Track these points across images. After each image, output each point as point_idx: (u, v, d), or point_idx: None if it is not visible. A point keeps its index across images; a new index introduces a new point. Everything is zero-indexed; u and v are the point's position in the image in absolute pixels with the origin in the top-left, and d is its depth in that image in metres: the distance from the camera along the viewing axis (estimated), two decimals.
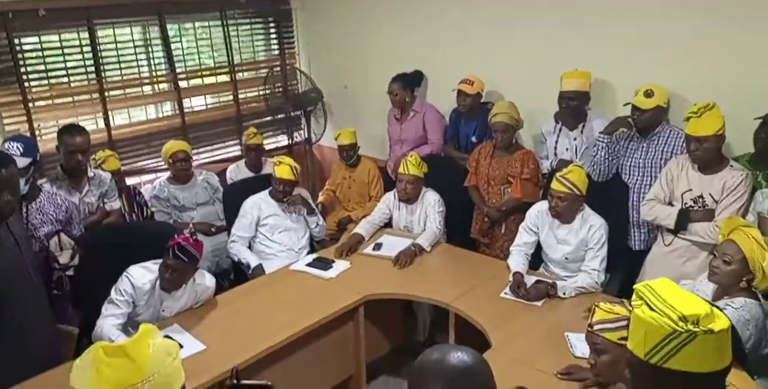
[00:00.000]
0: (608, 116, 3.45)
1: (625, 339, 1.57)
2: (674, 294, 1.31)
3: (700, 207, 2.96)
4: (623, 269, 3.25)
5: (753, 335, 2.25)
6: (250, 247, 3.70)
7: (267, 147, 5.20)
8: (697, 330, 1.22)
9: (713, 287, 2.45)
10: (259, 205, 3.68)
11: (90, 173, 3.34)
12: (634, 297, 1.35)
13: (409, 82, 4.38)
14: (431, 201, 3.67)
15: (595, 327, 2.04)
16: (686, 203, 3.00)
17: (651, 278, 3.09)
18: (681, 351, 1.23)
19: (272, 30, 5.32)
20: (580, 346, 2.51)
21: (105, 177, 3.41)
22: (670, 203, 3.06)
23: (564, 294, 2.94)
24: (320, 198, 4.50)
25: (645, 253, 3.25)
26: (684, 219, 2.96)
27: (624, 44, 3.52)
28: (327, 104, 5.15)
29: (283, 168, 3.61)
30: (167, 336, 2.63)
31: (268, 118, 5.24)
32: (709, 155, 2.87)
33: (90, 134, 3.30)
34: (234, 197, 3.94)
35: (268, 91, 5.20)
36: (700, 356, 1.23)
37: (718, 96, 2.95)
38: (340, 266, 3.37)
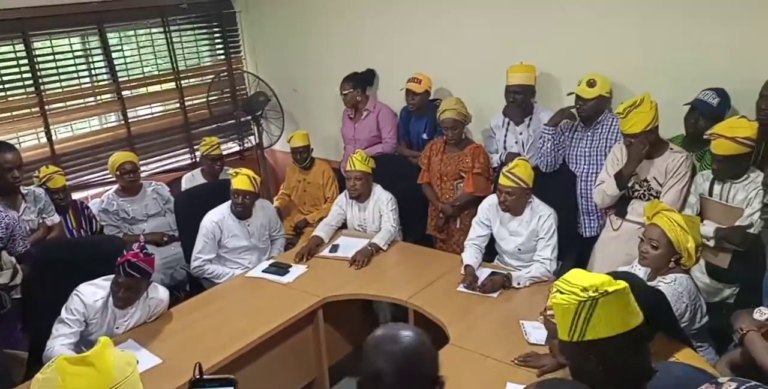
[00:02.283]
0: (554, 109, 3.52)
1: None
2: (580, 275, 1.43)
3: (645, 190, 3.04)
4: (574, 257, 3.32)
5: (688, 306, 2.34)
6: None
7: None
8: (596, 294, 1.33)
9: (646, 270, 2.53)
10: (217, 227, 3.48)
11: (23, 190, 3.22)
12: (551, 290, 1.46)
13: (360, 82, 4.38)
14: (383, 200, 3.67)
15: (549, 313, 2.08)
16: (632, 187, 3.08)
17: (601, 262, 3.21)
18: (591, 320, 1.33)
19: (217, 35, 5.24)
20: (534, 333, 2.55)
21: (39, 192, 3.30)
22: None
23: (519, 284, 3.00)
24: (275, 203, 4.46)
25: (595, 239, 3.32)
26: (621, 179, 3.00)
27: (567, 37, 3.59)
28: (278, 107, 5.09)
29: (241, 179, 3.42)
30: None
31: (217, 124, 5.16)
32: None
33: (30, 150, 3.18)
34: (186, 206, 3.86)
35: (214, 98, 5.12)
36: (607, 319, 1.34)
37: (657, 83, 3.04)
38: (297, 270, 3.35)
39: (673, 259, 2.41)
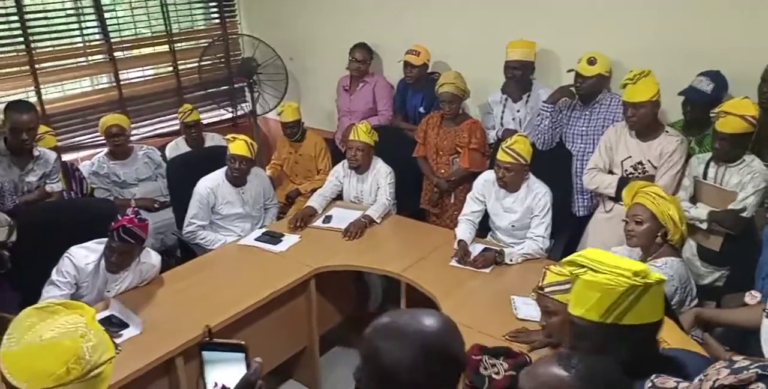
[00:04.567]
0: (553, 86, 3.50)
1: None
2: (609, 257, 1.41)
3: (640, 173, 3.05)
4: (567, 235, 3.34)
5: (678, 289, 2.36)
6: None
7: (209, 121, 5.07)
8: (651, 281, 1.32)
9: (638, 253, 2.55)
10: (212, 194, 3.46)
11: (36, 152, 3.16)
12: (570, 267, 1.43)
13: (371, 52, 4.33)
14: (382, 172, 3.65)
15: (546, 290, 2.08)
16: (626, 170, 3.09)
17: (593, 242, 3.24)
18: (636, 304, 1.32)
19: None
20: (523, 309, 2.58)
21: (50, 157, 3.23)
22: (611, 171, 3.15)
23: (511, 260, 3.01)
24: (267, 172, 4.42)
25: (588, 218, 3.35)
26: (624, 187, 3.04)
27: (568, 14, 3.55)
28: (275, 73, 5.01)
29: (238, 144, 3.40)
30: (110, 316, 2.60)
31: (209, 90, 5.07)
32: (645, 121, 2.95)
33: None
34: (178, 172, 3.82)
35: (207, 62, 5.03)
36: (651, 307, 1.34)
37: (657, 64, 3.02)
38: (290, 239, 3.34)
39: (659, 234, 2.41)
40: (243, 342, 1.18)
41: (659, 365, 1.37)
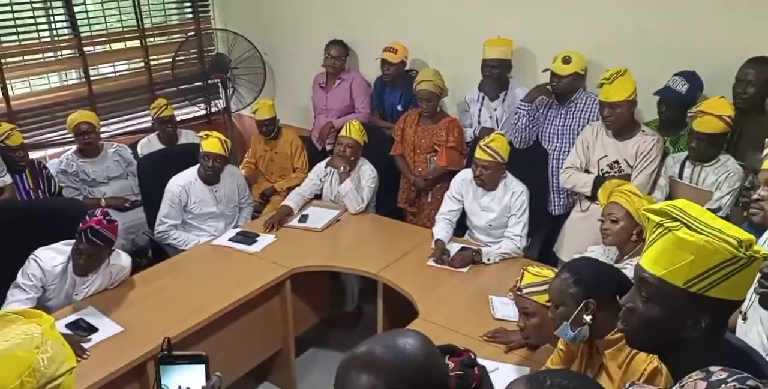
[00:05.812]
0: (529, 85, 3.50)
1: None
2: (711, 217, 1.16)
3: (616, 172, 3.06)
4: (544, 234, 3.34)
5: None
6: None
7: (183, 117, 4.98)
8: (758, 256, 1.11)
9: (615, 253, 2.56)
10: (183, 192, 3.39)
11: None
12: (660, 218, 1.17)
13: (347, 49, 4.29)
14: (366, 174, 3.59)
15: (525, 291, 2.06)
16: (602, 169, 3.09)
17: (569, 241, 3.24)
18: (731, 278, 1.11)
19: None
20: (501, 309, 2.57)
21: None
22: (587, 170, 3.15)
23: (488, 259, 3.00)
24: (242, 171, 4.35)
25: (564, 217, 3.35)
26: (600, 186, 3.05)
27: (545, 12, 3.55)
28: (249, 71, 4.93)
29: (211, 142, 3.33)
30: (79, 320, 2.53)
31: (181, 86, 4.97)
32: (622, 121, 2.96)
33: None
34: (149, 170, 3.74)
35: (181, 58, 4.93)
36: (743, 283, 1.14)
37: (632, 63, 3.03)
38: (265, 239, 3.28)
39: (634, 232, 2.41)
40: (203, 353, 1.11)
41: (731, 352, 1.20)
